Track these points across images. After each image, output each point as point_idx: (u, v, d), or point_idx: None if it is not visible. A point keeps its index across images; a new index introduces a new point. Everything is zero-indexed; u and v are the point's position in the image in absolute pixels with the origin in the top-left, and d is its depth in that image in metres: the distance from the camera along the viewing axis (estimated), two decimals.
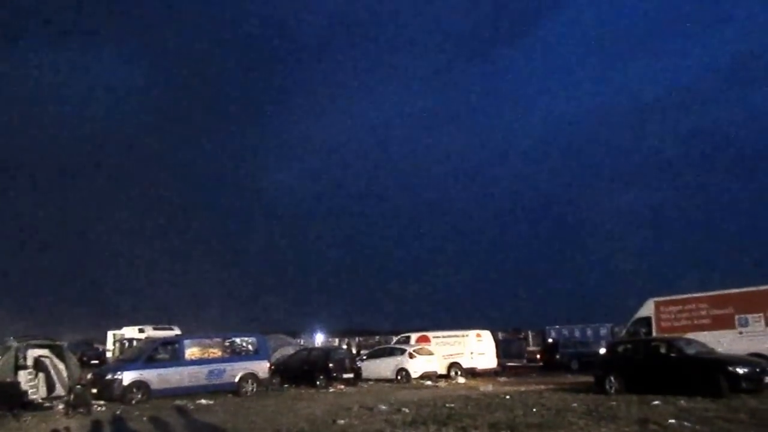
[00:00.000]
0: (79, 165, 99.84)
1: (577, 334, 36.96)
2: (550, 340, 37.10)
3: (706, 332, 19.11)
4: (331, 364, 23.14)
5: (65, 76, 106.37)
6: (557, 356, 30.24)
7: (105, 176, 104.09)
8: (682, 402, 13.72)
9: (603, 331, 34.94)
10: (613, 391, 16.60)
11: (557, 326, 39.14)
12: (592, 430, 10.68)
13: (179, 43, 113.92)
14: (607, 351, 20.53)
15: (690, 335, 18.61)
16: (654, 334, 20.70)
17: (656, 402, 13.87)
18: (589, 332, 35.96)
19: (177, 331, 29.97)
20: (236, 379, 19.89)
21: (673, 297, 21.40)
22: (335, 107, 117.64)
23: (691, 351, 16.32)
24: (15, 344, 17.63)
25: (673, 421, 11.11)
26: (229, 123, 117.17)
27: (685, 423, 10.88)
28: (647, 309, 21.74)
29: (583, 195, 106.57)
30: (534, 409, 13.60)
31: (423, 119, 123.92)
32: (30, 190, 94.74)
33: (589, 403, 14.50)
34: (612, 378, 17.00)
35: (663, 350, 16.81)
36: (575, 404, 14.32)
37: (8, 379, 16.63)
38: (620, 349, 18.87)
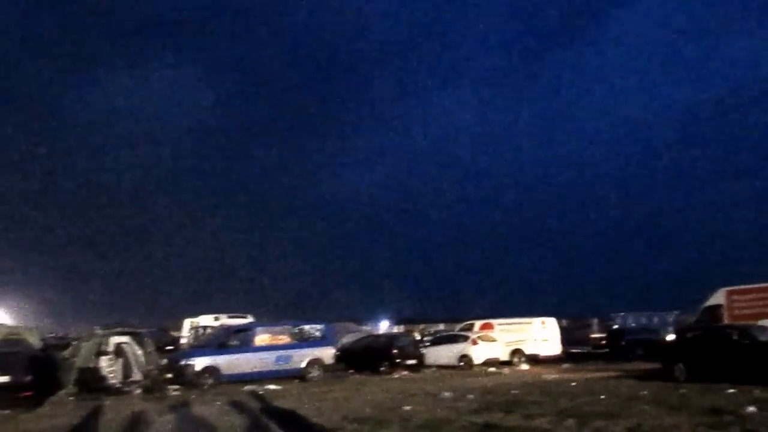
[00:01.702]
0: (160, 169, 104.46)
1: (643, 321, 36.09)
2: (615, 327, 36.35)
3: None
4: (394, 351, 23.42)
5: (144, 95, 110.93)
6: (622, 343, 29.64)
7: (187, 179, 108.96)
8: (757, 391, 13.24)
9: (670, 319, 33.98)
10: (682, 378, 16.23)
11: (623, 313, 38.27)
12: (664, 418, 10.43)
13: (248, 57, 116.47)
14: (676, 338, 20.03)
15: (763, 323, 18.00)
16: (725, 322, 20.17)
17: (730, 390, 13.47)
18: (655, 319, 35.04)
19: (250, 319, 30.78)
20: (303, 365, 20.35)
21: (746, 286, 20.95)
22: (401, 113, 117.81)
23: (764, 338, 15.77)
24: (100, 332, 18.61)
25: (753, 409, 10.69)
26: (300, 132, 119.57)
27: (765, 412, 10.44)
28: (718, 297, 21.31)
29: (652, 185, 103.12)
30: (601, 397, 13.44)
31: (490, 120, 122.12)
32: (115, 193, 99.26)
33: (657, 391, 14.23)
34: (681, 365, 16.63)
35: (735, 337, 16.29)
36: (644, 392, 14.07)
37: (90, 365, 17.56)
38: (690, 335, 18.39)
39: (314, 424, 11.01)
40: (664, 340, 24.88)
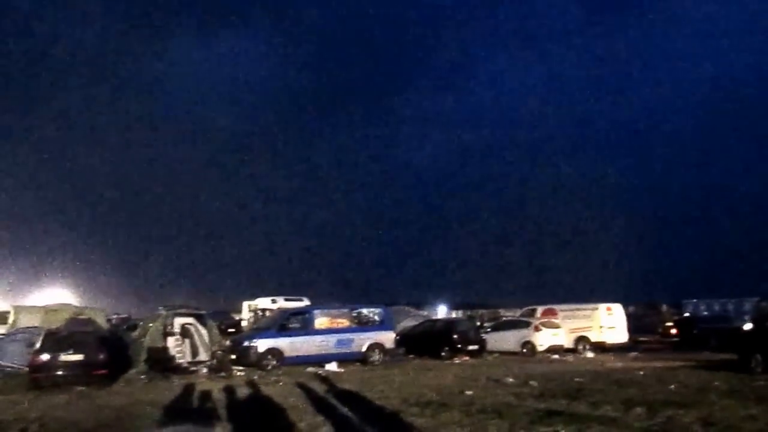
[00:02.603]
0: (225, 147, 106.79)
1: (716, 308, 34.72)
2: (687, 315, 35.06)
3: None
4: (455, 336, 23.22)
5: (213, 67, 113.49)
6: (694, 332, 28.57)
7: (251, 156, 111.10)
8: None
9: (747, 306, 32.50)
10: (759, 370, 15.47)
11: (695, 300, 36.86)
12: (738, 410, 9.98)
13: (313, 22, 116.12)
14: (753, 327, 19.12)
15: None
16: None
17: None
18: (730, 306, 33.59)
19: (306, 302, 31.17)
20: (363, 349, 20.47)
21: None
22: (468, 79, 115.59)
23: None
24: (164, 313, 19.18)
25: None
26: (367, 99, 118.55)
27: None
28: None
29: (732, 159, 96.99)
30: (671, 387, 12.98)
31: (561, 85, 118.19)
32: (179, 176, 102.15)
33: (732, 382, 13.63)
34: (759, 356, 15.85)
35: None
36: (717, 382, 13.50)
37: (159, 345, 18.14)
38: None
39: (377, 406, 11.02)
40: (741, 329, 23.77)
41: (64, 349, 15.00)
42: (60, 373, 14.76)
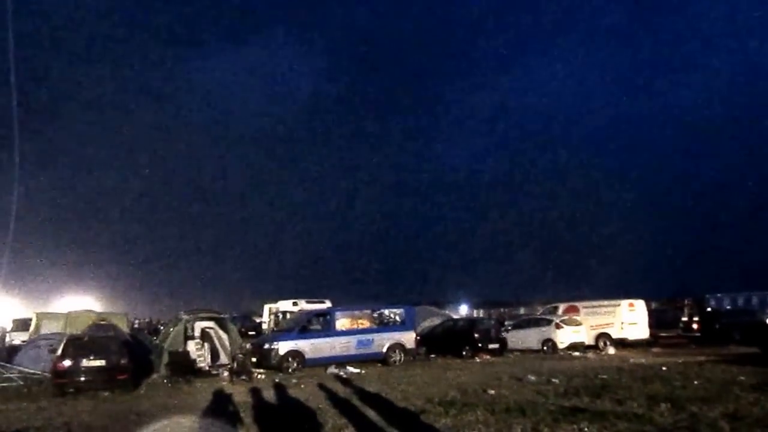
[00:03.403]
0: (246, 153, 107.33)
1: (740, 302, 34.26)
2: (709, 309, 34.65)
3: None
4: (476, 335, 23.17)
5: (246, 72, 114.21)
6: (717, 326, 28.23)
7: (273, 159, 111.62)
8: None
9: None
10: None
11: (718, 294, 36.37)
12: (764, 404, 9.88)
13: (354, 27, 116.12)
14: None
15: None
16: None
17: None
18: (754, 300, 33.12)
19: (328, 304, 31.17)
20: (384, 349, 20.46)
21: None
22: (505, 76, 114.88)
23: None
24: (185, 317, 19.31)
25: None
26: (407, 98, 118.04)
27: None
28: None
29: (758, 156, 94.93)
30: (695, 382, 12.87)
31: (600, 81, 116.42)
32: (201, 182, 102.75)
33: (757, 376, 13.49)
34: None
35: None
36: (741, 377, 13.38)
37: (179, 349, 18.28)
38: None
39: (400, 407, 11.01)
40: (764, 323, 23.46)
41: (86, 355, 15.01)
42: (82, 378, 14.79)
